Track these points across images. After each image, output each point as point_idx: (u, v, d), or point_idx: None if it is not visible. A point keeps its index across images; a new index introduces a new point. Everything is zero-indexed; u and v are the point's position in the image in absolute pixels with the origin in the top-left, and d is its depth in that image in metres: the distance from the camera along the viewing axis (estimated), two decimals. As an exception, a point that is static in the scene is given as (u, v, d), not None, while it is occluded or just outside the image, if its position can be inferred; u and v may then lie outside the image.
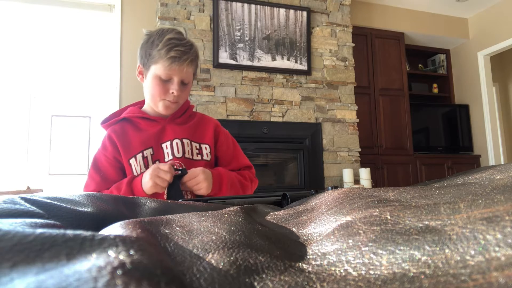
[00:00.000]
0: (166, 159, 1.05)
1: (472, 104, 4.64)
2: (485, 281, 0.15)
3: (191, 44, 1.04)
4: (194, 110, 1.20)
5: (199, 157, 1.09)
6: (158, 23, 3.13)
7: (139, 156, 1.04)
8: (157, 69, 1.01)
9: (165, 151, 1.06)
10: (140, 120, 1.09)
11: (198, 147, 1.10)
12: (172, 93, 1.03)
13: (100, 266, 0.15)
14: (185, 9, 3.19)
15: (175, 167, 0.99)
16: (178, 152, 1.06)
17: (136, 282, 0.14)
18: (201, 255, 0.22)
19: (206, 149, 1.11)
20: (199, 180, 0.97)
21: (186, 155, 1.07)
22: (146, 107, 1.13)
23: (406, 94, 4.28)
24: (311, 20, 3.56)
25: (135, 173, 1.03)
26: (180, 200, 0.56)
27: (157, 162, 1.05)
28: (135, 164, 1.04)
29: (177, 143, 1.06)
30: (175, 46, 0.99)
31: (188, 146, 1.08)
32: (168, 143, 1.06)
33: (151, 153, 1.05)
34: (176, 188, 0.95)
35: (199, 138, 1.11)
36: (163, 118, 1.10)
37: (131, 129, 1.08)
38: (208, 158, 1.10)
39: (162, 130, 1.08)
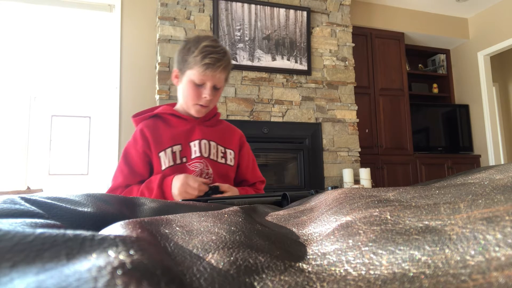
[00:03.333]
0: (193, 157, 1.11)
1: (472, 104, 4.64)
2: (485, 281, 0.15)
3: (224, 51, 1.10)
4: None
5: (223, 161, 1.15)
6: (158, 23, 3.13)
7: (168, 151, 1.10)
8: (192, 74, 1.07)
9: (193, 149, 1.11)
10: (171, 117, 1.15)
11: (223, 151, 1.16)
12: (205, 97, 1.09)
13: (100, 266, 0.15)
14: (185, 9, 3.19)
15: (209, 184, 1.04)
16: (205, 152, 1.12)
17: (136, 282, 0.14)
18: (201, 255, 0.22)
19: (230, 154, 1.17)
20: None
21: (211, 157, 1.13)
22: (177, 107, 1.19)
23: (406, 94, 4.27)
24: (311, 20, 3.55)
25: (163, 166, 1.09)
26: (180, 200, 0.56)
27: (184, 158, 1.10)
28: (164, 157, 1.09)
29: (204, 144, 1.12)
30: (209, 54, 1.05)
31: (214, 148, 1.14)
32: (197, 142, 1.12)
33: (180, 149, 1.11)
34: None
35: (226, 143, 1.17)
36: (193, 118, 1.15)
37: (162, 125, 1.14)
38: (232, 163, 1.16)
39: (191, 129, 1.14)
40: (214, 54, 1.06)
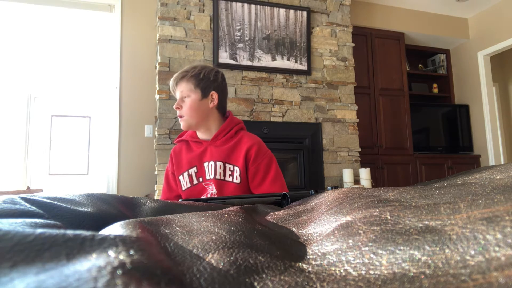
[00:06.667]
0: (207, 178, 1.22)
1: (472, 104, 4.64)
2: (485, 281, 0.15)
3: (183, 70, 1.25)
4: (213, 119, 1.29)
5: (230, 179, 1.21)
6: (158, 23, 3.13)
7: (185, 174, 1.24)
8: None
9: (206, 170, 1.23)
10: (192, 142, 1.29)
11: (231, 168, 1.21)
12: (174, 108, 1.23)
13: (100, 266, 0.15)
14: (185, 9, 3.19)
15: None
16: (211, 174, 1.21)
17: (136, 282, 0.14)
18: (201, 255, 0.22)
19: (236, 172, 1.21)
20: None
21: (217, 177, 1.20)
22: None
23: (406, 94, 4.27)
24: (311, 20, 3.55)
25: (183, 187, 1.24)
26: (179, 200, 0.56)
27: (200, 178, 1.23)
28: (183, 180, 1.25)
29: (211, 165, 1.22)
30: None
31: (220, 168, 1.21)
32: (206, 163, 1.24)
33: (195, 171, 1.24)
34: None
35: (233, 160, 1.22)
36: (206, 140, 1.26)
37: (184, 149, 1.29)
38: (238, 181, 1.20)
39: (204, 151, 1.25)
40: (177, 73, 1.24)
